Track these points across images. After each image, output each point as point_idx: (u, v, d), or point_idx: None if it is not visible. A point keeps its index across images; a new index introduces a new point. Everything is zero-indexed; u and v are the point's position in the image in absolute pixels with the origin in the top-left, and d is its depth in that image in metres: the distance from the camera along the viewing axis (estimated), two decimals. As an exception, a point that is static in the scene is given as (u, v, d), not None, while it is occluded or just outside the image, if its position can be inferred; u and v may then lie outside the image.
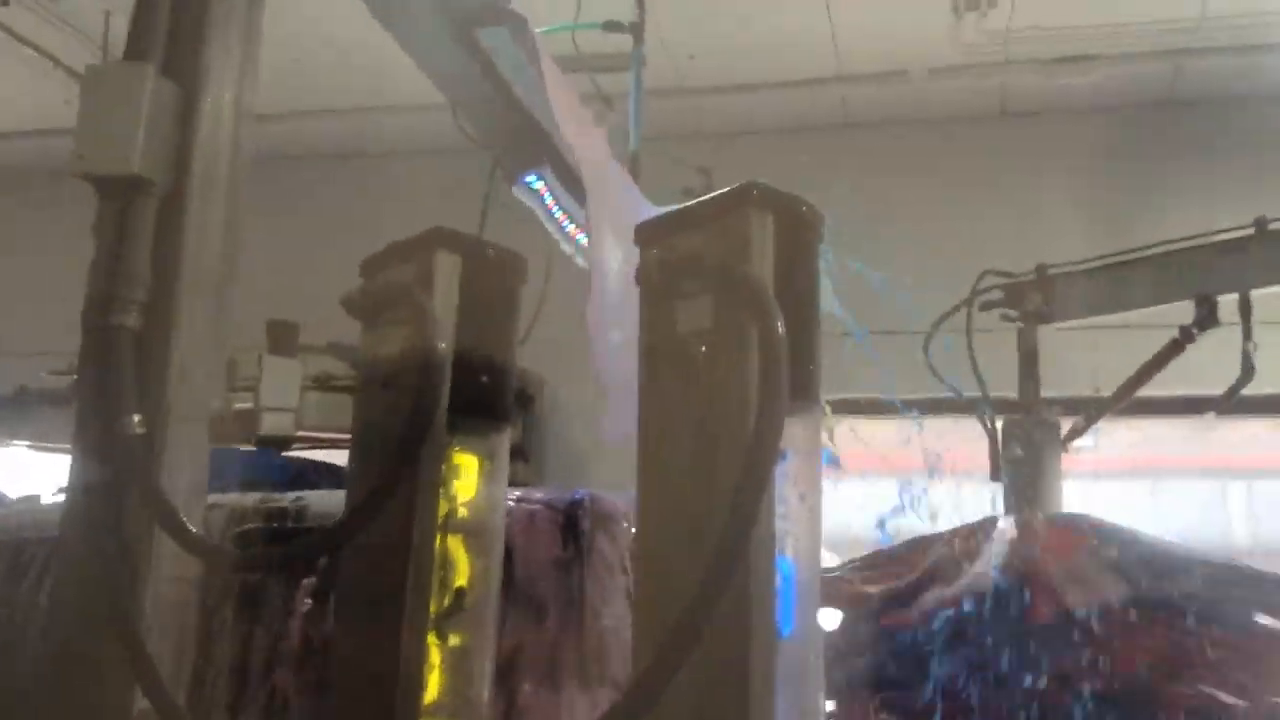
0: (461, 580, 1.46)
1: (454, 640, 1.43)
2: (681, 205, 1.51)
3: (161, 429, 1.51)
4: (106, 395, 1.49)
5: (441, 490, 1.46)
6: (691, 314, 1.35)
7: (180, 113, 1.63)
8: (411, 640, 1.38)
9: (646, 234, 1.46)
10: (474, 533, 1.49)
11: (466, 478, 1.51)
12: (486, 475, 1.54)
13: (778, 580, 1.29)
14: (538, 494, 2.11)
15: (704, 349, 1.33)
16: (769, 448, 1.17)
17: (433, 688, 1.40)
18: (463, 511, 1.48)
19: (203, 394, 1.61)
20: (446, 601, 1.43)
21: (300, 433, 4.29)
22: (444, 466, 1.47)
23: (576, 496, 2.08)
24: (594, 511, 2.06)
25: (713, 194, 1.41)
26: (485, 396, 1.56)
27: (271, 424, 4.17)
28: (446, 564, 1.44)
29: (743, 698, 1.23)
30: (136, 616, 1.37)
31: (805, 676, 1.28)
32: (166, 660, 1.39)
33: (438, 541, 1.44)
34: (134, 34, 1.65)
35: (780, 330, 1.21)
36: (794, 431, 1.31)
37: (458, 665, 1.43)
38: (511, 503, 1.92)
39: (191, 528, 1.40)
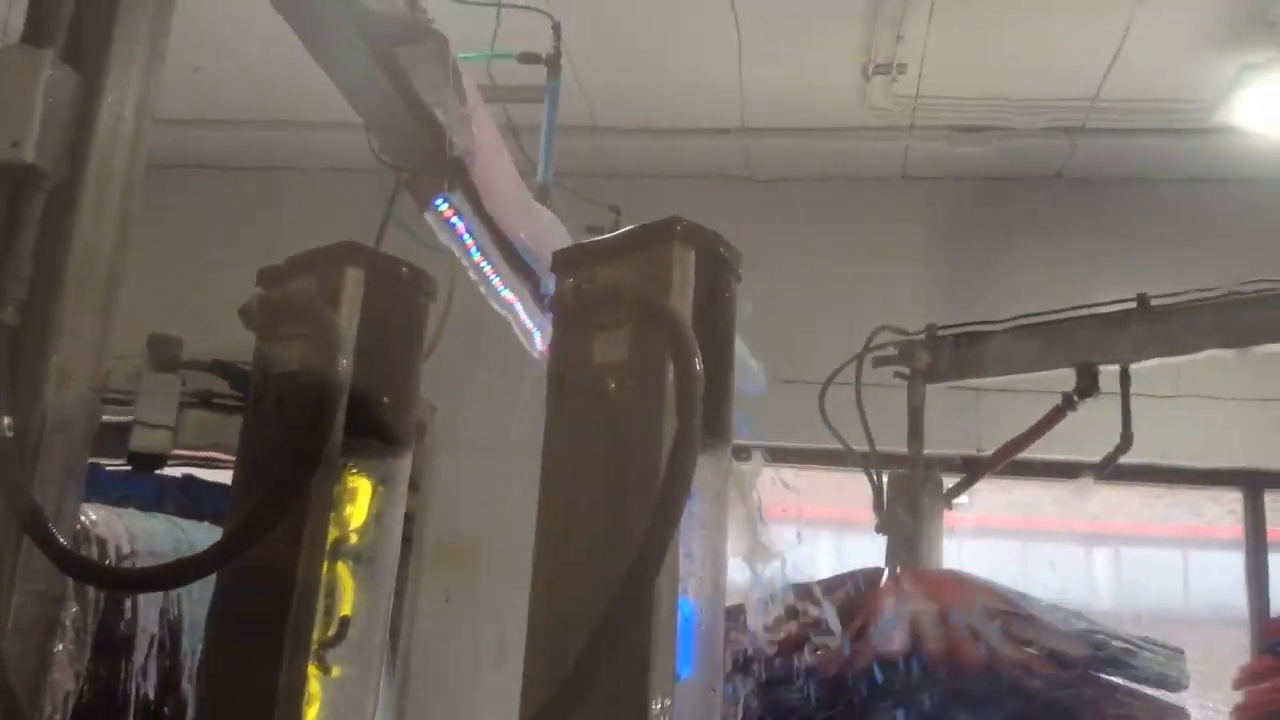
0: (347, 609, 1.39)
1: (336, 672, 1.36)
2: (600, 236, 1.50)
3: (35, 434, 1.41)
4: (-24, 393, 1.40)
5: (332, 514, 1.40)
6: (607, 345, 1.33)
7: (80, 103, 1.55)
8: (291, 670, 1.32)
9: (564, 262, 1.44)
10: (364, 560, 1.44)
11: (359, 502, 1.45)
12: (381, 501, 1.48)
13: (678, 621, 1.27)
14: None
15: (617, 381, 1.31)
16: (681, 486, 1.15)
17: (311, 721, 1.34)
18: (354, 538, 1.42)
19: (83, 400, 1.52)
20: (331, 631, 1.36)
21: (177, 451, 4.13)
22: (336, 489, 1.41)
23: None
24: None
25: (634, 226, 1.40)
26: (384, 419, 1.51)
27: (144, 439, 4.01)
28: (333, 591, 1.38)
29: (638, 741, 1.20)
30: (-6, 633, 1.27)
31: (702, 721, 1.25)
32: (25, 681, 1.30)
33: (325, 568, 1.38)
34: (34, 17, 1.56)
35: (698, 366, 1.19)
36: (703, 472, 1.29)
37: (339, 698, 1.36)
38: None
39: (62, 540, 1.31)
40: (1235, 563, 5.43)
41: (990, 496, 5.38)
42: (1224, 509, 5.64)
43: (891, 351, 3.85)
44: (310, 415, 1.37)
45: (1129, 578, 5.81)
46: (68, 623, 1.68)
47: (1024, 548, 5.90)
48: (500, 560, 5.07)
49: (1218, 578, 5.64)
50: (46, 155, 1.49)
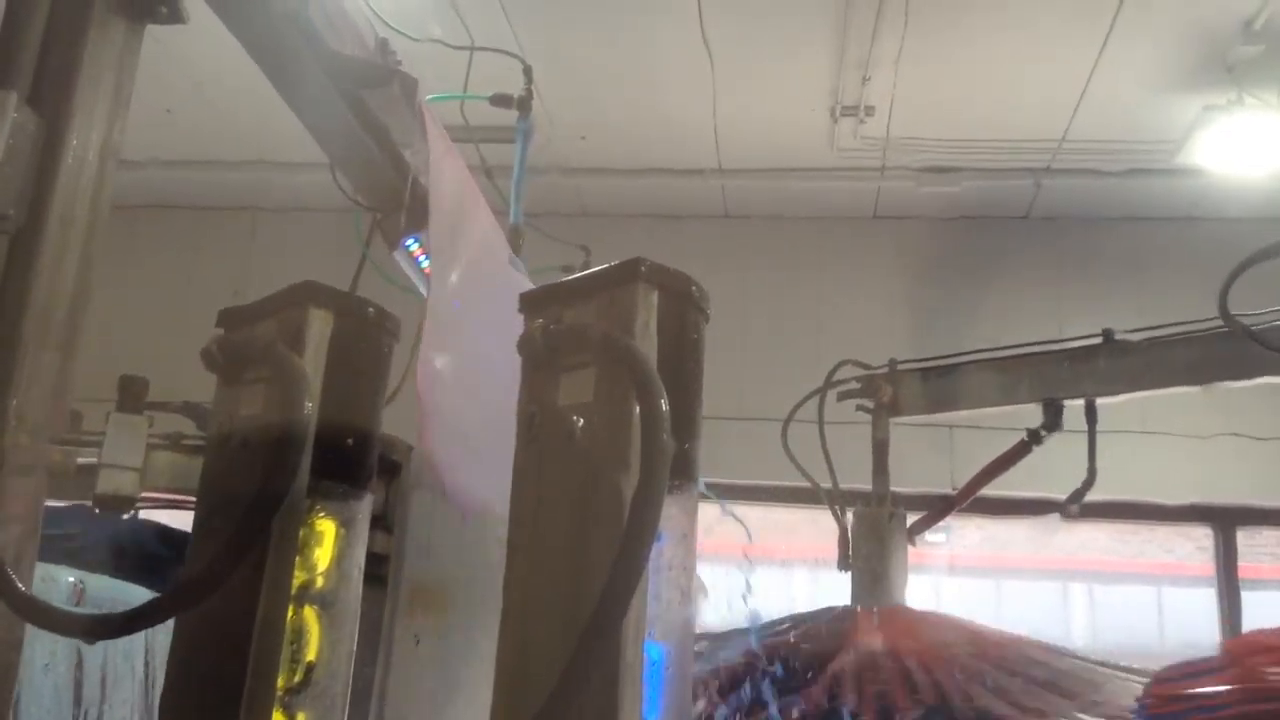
0: (312, 655, 1.37)
1: (301, 719, 1.34)
2: (567, 278, 1.50)
3: (-8, 478, 1.39)
4: (-68, 438, 1.38)
5: (298, 558, 1.39)
6: (574, 386, 1.33)
7: (42, 147, 1.54)
8: (255, 718, 1.29)
9: (531, 303, 1.44)
10: (328, 604, 1.41)
11: (325, 545, 1.43)
12: (343, 543, 1.47)
13: (646, 666, 1.26)
14: None
15: (584, 422, 1.31)
16: (647, 529, 1.14)
17: (274, 770, 1.31)
18: (320, 581, 1.40)
19: (41, 444, 1.50)
20: (297, 678, 1.34)
21: (145, 494, 4.06)
22: (302, 532, 1.40)
23: None
24: None
25: (600, 268, 1.40)
26: (348, 461, 1.49)
27: (111, 482, 3.94)
28: (300, 637, 1.36)
29: (605, 788, 1.18)
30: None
31: (670, 767, 1.23)
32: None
33: (290, 612, 1.36)
34: (-4, 59, 1.56)
35: (664, 407, 1.19)
36: (670, 512, 1.28)
37: (303, 747, 1.34)
38: None
39: (20, 586, 1.28)
40: (1209, 599, 5.45)
41: (964, 534, 5.40)
42: (1195, 546, 5.67)
43: (855, 385, 3.86)
44: (274, 458, 1.35)
45: (1103, 614, 5.82)
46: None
47: (997, 585, 5.91)
48: (470, 602, 5.02)
49: (1191, 614, 5.65)
50: (8, 198, 1.48)
